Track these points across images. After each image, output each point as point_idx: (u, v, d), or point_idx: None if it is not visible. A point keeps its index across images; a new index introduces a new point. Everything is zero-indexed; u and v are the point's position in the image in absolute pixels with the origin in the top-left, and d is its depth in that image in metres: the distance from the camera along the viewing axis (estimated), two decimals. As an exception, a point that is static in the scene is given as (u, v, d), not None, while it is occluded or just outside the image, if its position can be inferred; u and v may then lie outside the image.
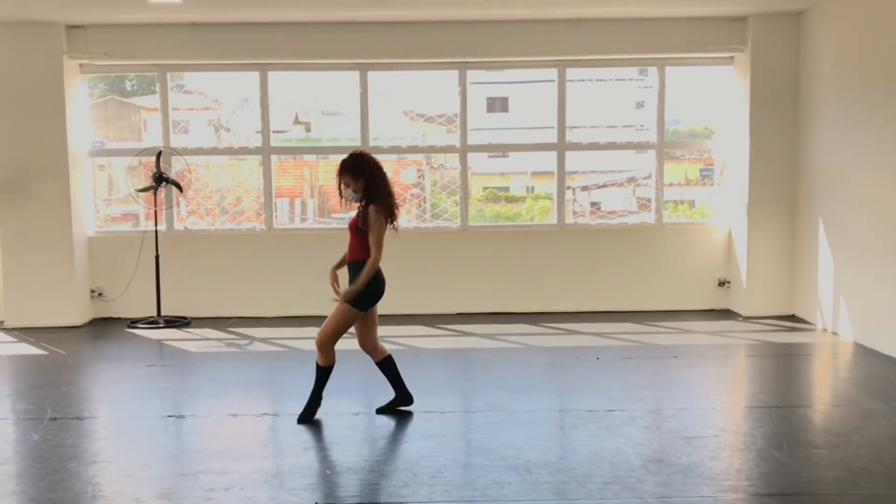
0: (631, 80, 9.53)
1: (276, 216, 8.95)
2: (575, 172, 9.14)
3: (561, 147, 8.78)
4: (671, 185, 9.23)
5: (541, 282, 8.79)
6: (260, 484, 4.23)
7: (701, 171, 9.46)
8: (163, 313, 8.52)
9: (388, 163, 8.87)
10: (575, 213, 9.24)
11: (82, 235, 8.64)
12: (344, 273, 5.25)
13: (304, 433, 5.04)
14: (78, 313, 8.48)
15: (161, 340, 7.81)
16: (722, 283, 8.84)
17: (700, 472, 4.32)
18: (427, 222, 9.08)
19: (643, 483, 4.17)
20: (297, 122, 9.73)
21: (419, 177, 9.36)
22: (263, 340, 7.73)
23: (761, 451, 4.62)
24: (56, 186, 8.33)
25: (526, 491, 4.09)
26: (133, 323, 8.41)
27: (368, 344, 5.31)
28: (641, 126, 9.22)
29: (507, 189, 9.99)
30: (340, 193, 5.17)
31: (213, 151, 9.11)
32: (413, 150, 9.24)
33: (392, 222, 5.13)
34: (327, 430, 5.09)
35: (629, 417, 5.23)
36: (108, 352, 7.51)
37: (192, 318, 8.61)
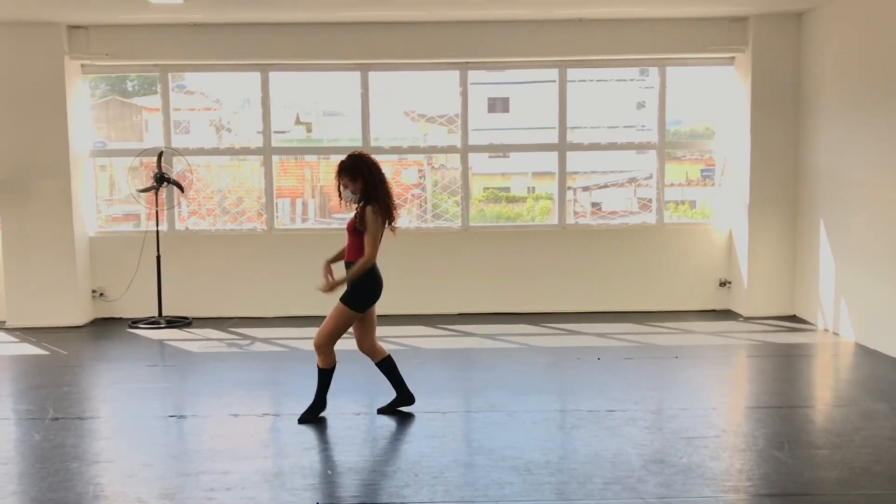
0: (632, 80, 9.54)
1: (277, 216, 8.95)
2: (576, 173, 9.14)
3: (562, 147, 8.78)
4: (672, 185, 9.23)
5: (542, 282, 8.80)
6: (261, 484, 4.23)
7: (702, 171, 9.47)
8: (164, 313, 8.52)
9: (389, 163, 8.92)
10: (576, 213, 9.24)
11: (84, 236, 8.65)
12: (341, 269, 5.22)
13: (305, 433, 5.04)
14: (79, 313, 8.49)
15: (162, 340, 7.81)
16: (723, 284, 8.84)
17: (701, 472, 4.32)
18: (428, 223, 9.09)
19: (644, 483, 4.17)
20: (298, 122, 9.74)
21: (420, 177, 9.36)
22: (265, 341, 7.74)
23: (762, 451, 4.62)
24: (57, 187, 8.34)
25: (527, 491, 4.10)
26: (134, 323, 8.41)
27: (366, 345, 5.30)
28: (642, 126, 9.22)
29: (508, 189, 9.99)
30: (340, 195, 5.17)
31: (215, 152, 9.12)
32: (414, 150, 9.24)
33: (390, 223, 5.12)
34: (328, 431, 5.10)
35: (630, 418, 5.23)
36: (109, 352, 7.52)
37: (194, 319, 8.62)
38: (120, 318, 8.71)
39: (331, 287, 5.07)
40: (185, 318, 8.59)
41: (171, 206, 8.76)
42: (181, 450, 4.95)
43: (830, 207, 7.74)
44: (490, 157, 9.81)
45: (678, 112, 9.14)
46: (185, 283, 8.69)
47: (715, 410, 5.51)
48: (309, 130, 9.90)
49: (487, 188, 9.84)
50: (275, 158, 8.86)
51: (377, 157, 5.25)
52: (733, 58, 8.61)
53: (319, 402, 5.24)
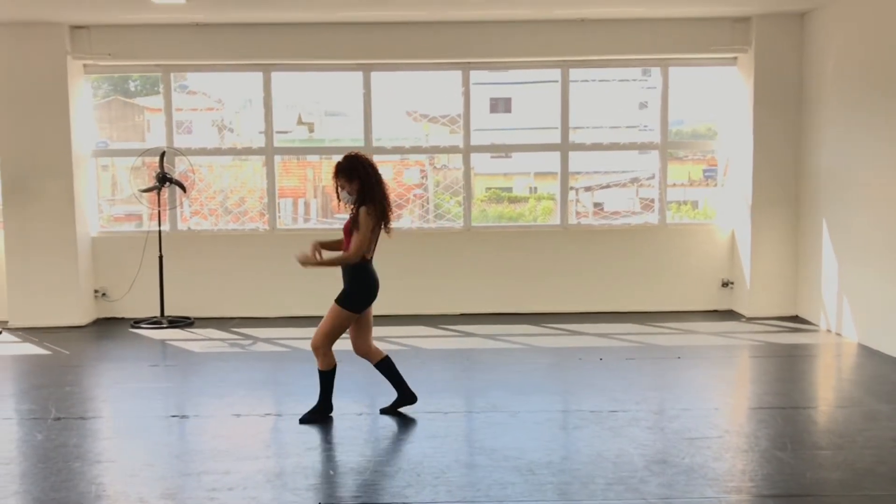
0: (634, 80, 9.54)
1: (279, 216, 8.95)
2: (578, 173, 9.14)
3: (564, 147, 8.77)
4: (674, 185, 9.22)
5: (544, 282, 8.79)
6: (263, 484, 4.23)
7: (704, 171, 9.46)
8: (166, 313, 8.53)
9: (391, 163, 8.92)
10: (578, 213, 9.23)
11: (86, 236, 8.66)
12: (337, 270, 5.21)
13: (307, 433, 5.04)
14: (81, 313, 8.50)
15: (164, 340, 7.82)
16: (725, 284, 8.83)
17: (703, 473, 4.32)
18: (430, 223, 9.08)
19: (646, 484, 4.17)
20: (300, 122, 9.74)
21: (422, 177, 9.35)
22: (266, 341, 7.74)
23: (765, 452, 4.62)
24: (60, 187, 8.35)
25: (529, 491, 4.09)
26: (136, 323, 8.42)
27: (361, 348, 5.27)
28: (645, 127, 9.21)
29: (510, 189, 9.98)
30: (338, 196, 5.16)
31: (217, 152, 9.12)
32: (416, 150, 9.22)
33: (385, 225, 5.10)
34: (330, 431, 5.09)
35: (632, 418, 5.23)
36: (111, 352, 7.52)
37: (196, 319, 8.62)
38: (122, 318, 8.72)
39: (308, 261, 5.02)
40: (188, 318, 8.60)
41: (174, 206, 8.76)
42: (183, 450, 4.95)
43: (833, 207, 7.73)
44: (492, 157, 9.81)
45: (680, 112, 9.14)
46: (187, 283, 8.70)
47: (717, 411, 5.50)
48: (311, 130, 9.90)
49: (489, 188, 9.84)
50: (277, 158, 8.86)
51: (379, 158, 5.27)
52: (736, 58, 8.60)
53: (324, 404, 5.23)
